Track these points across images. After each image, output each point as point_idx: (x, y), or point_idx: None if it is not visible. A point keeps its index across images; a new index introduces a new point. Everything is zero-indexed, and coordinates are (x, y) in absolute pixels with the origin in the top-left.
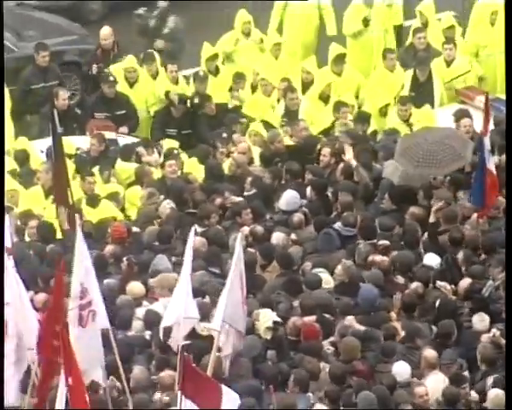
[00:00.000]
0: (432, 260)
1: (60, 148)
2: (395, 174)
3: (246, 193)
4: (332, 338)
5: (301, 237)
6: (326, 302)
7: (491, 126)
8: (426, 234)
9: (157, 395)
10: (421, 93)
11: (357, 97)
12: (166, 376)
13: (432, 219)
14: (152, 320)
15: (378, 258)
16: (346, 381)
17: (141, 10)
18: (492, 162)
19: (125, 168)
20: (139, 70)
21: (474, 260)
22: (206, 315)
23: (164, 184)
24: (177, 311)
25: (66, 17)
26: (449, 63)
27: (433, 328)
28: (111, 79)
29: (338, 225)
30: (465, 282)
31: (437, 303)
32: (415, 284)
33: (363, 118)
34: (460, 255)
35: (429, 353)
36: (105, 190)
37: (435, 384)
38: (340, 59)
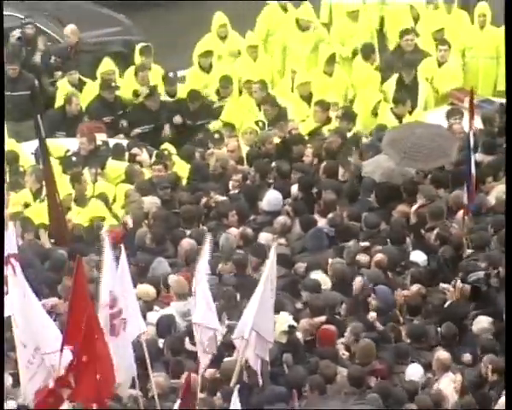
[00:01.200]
0: (418, 257)
1: (46, 152)
2: (376, 172)
3: (231, 192)
4: (343, 339)
5: (288, 238)
6: (335, 302)
7: (480, 125)
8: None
9: None
10: (406, 96)
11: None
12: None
13: (413, 219)
14: (165, 325)
15: (366, 257)
16: (364, 383)
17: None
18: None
19: (116, 167)
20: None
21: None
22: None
23: (151, 184)
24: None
25: (111, 7)
26: (440, 64)
27: (439, 330)
28: (113, 84)
29: (324, 225)
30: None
31: (445, 305)
32: (416, 286)
33: (349, 116)
34: (447, 253)
35: (442, 354)
36: (93, 190)
37: (449, 386)
38: (332, 60)
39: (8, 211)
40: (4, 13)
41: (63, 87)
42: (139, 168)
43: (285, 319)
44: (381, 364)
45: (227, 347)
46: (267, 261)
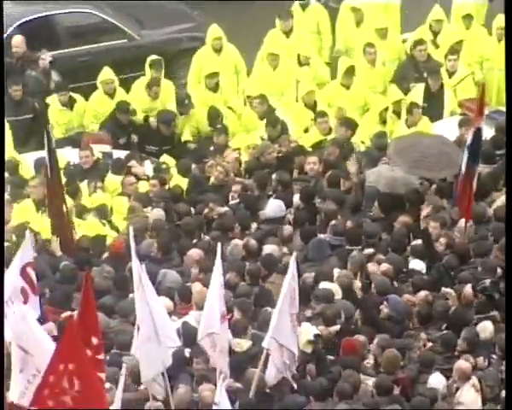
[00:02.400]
0: (417, 265)
1: (55, 163)
2: (379, 182)
3: (231, 202)
4: (371, 349)
5: (290, 248)
6: (350, 312)
7: (492, 133)
8: (417, 241)
9: None
10: (434, 103)
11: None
12: (207, 393)
13: (423, 226)
14: (189, 334)
15: (373, 265)
16: (391, 392)
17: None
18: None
19: (114, 180)
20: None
21: (463, 266)
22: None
23: (148, 197)
24: (205, 327)
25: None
26: (451, 74)
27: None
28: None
29: (326, 234)
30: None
31: (450, 311)
32: (423, 293)
33: (347, 124)
34: (451, 262)
35: (463, 364)
36: (91, 202)
37: (471, 395)
38: (350, 72)
39: (11, 224)
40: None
41: (54, 105)
42: (131, 180)
43: (308, 330)
44: (404, 373)
45: (251, 358)
46: (288, 271)
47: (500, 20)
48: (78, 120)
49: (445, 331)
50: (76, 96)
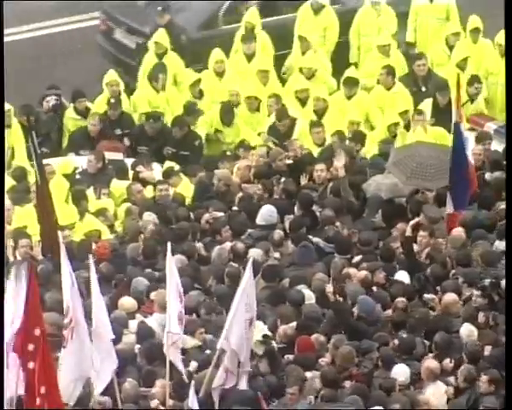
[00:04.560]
0: (403, 277)
1: (42, 169)
2: (381, 190)
3: (233, 208)
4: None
5: (282, 252)
6: (316, 314)
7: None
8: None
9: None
10: (441, 118)
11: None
12: (157, 389)
13: (408, 233)
14: (143, 333)
15: (352, 271)
16: (338, 385)
17: None
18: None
19: (119, 187)
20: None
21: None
22: (193, 332)
23: (152, 202)
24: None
25: None
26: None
27: (426, 342)
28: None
29: (319, 240)
30: (450, 296)
31: (431, 317)
32: (399, 299)
33: (358, 138)
34: (433, 272)
35: (432, 363)
36: (96, 206)
37: (437, 394)
38: (354, 83)
39: (10, 227)
40: None
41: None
42: (139, 187)
43: (260, 329)
44: (359, 370)
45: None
46: (244, 276)
47: (502, 36)
48: None
49: (405, 335)
50: (91, 104)
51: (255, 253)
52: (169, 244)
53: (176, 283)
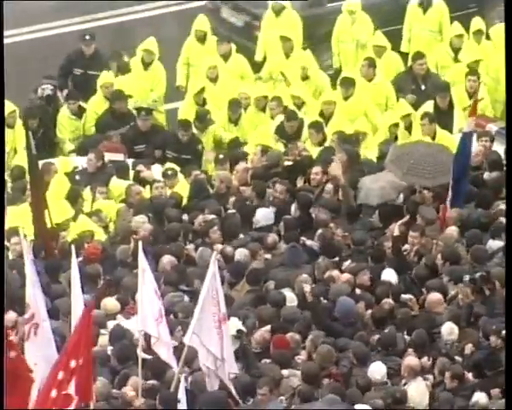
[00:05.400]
0: (389, 275)
1: (36, 169)
2: (370, 196)
3: (228, 211)
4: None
5: (274, 253)
6: (296, 316)
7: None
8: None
9: None
10: (443, 120)
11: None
12: (127, 391)
13: (396, 232)
14: (116, 335)
15: (335, 273)
16: (318, 381)
17: None
18: None
19: (118, 186)
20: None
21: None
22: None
23: (149, 203)
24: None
25: None
26: (471, 95)
27: (406, 338)
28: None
29: (313, 242)
30: (434, 296)
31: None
32: (385, 300)
33: (358, 137)
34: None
35: (412, 360)
36: (91, 208)
37: (418, 391)
38: (350, 83)
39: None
40: None
41: (64, 113)
42: (138, 189)
43: (234, 325)
44: (338, 369)
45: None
46: (208, 271)
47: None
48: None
49: (385, 331)
50: (85, 105)
51: (242, 254)
52: (140, 243)
53: (150, 281)
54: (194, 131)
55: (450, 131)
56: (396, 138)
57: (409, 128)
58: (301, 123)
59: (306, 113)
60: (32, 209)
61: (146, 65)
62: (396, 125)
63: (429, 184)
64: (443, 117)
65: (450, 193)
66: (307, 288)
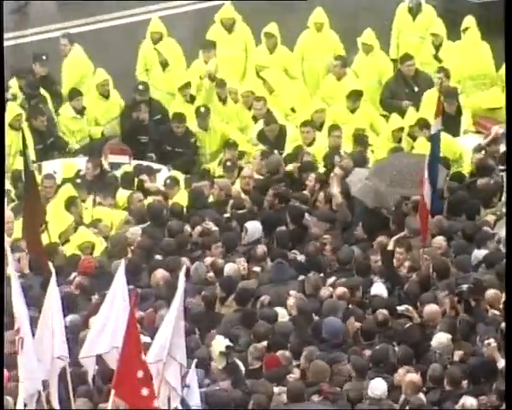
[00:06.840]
0: (379, 289)
1: (32, 181)
2: (367, 197)
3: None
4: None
5: (263, 267)
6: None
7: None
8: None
9: None
10: (449, 123)
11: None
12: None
13: (390, 247)
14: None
15: (327, 290)
16: (303, 399)
17: None
18: None
19: (123, 196)
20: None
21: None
22: None
23: (147, 212)
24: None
25: None
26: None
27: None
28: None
29: (302, 256)
30: (430, 307)
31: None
32: (380, 311)
33: (361, 140)
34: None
35: (414, 377)
36: (91, 216)
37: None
38: (357, 96)
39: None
40: None
41: (66, 112)
42: (140, 196)
43: (221, 342)
44: (330, 387)
45: None
46: (179, 286)
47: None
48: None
49: (377, 347)
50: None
51: (231, 269)
52: (123, 263)
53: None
54: (196, 129)
55: (456, 133)
56: (399, 142)
57: (412, 136)
58: (282, 128)
59: None
60: (23, 222)
61: None
62: (400, 129)
63: (411, 193)
64: (450, 122)
65: (428, 199)
66: (290, 301)
